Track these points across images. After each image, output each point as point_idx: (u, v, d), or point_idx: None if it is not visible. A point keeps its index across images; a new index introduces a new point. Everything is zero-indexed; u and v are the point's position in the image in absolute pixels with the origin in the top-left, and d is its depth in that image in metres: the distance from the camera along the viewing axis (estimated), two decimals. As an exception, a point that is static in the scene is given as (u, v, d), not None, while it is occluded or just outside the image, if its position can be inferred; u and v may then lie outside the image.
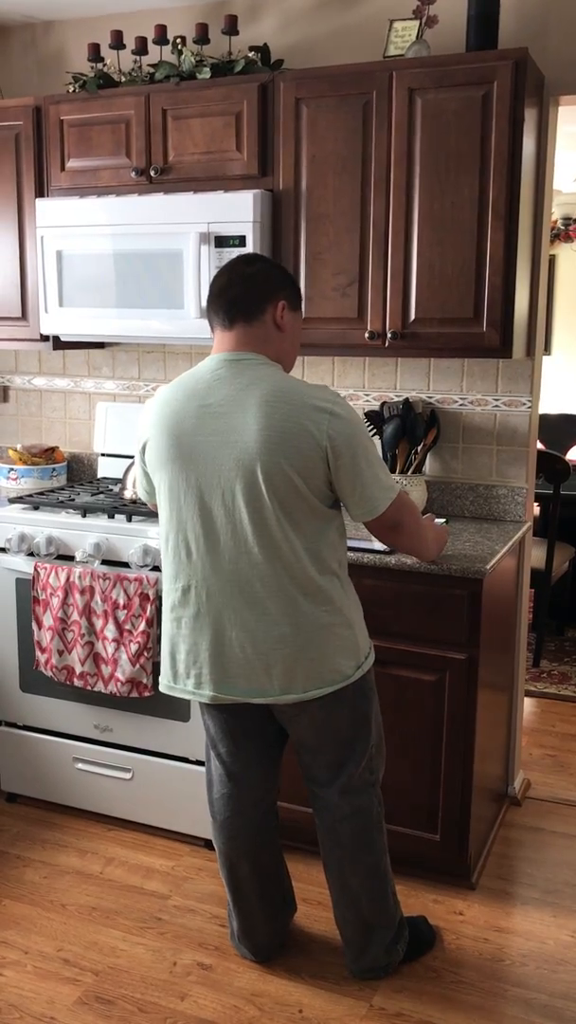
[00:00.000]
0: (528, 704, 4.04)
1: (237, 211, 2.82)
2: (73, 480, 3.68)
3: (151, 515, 2.94)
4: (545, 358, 6.39)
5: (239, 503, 2.06)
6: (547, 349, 6.90)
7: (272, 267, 2.21)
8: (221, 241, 2.84)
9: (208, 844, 2.96)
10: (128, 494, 3.11)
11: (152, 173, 3.00)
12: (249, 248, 2.81)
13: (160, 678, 2.29)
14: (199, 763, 2.91)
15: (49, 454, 3.57)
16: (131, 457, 3.21)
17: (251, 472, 2.03)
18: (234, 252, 2.82)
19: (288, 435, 2.01)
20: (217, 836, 2.40)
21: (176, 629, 2.21)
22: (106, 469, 3.56)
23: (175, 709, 2.90)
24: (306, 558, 2.09)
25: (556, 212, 6.55)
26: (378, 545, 2.66)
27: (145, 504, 2.41)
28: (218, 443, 2.05)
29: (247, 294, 2.12)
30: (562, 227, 6.62)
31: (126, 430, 3.47)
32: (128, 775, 3.02)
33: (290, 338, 2.20)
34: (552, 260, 6.79)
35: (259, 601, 2.10)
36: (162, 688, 2.29)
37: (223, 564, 2.11)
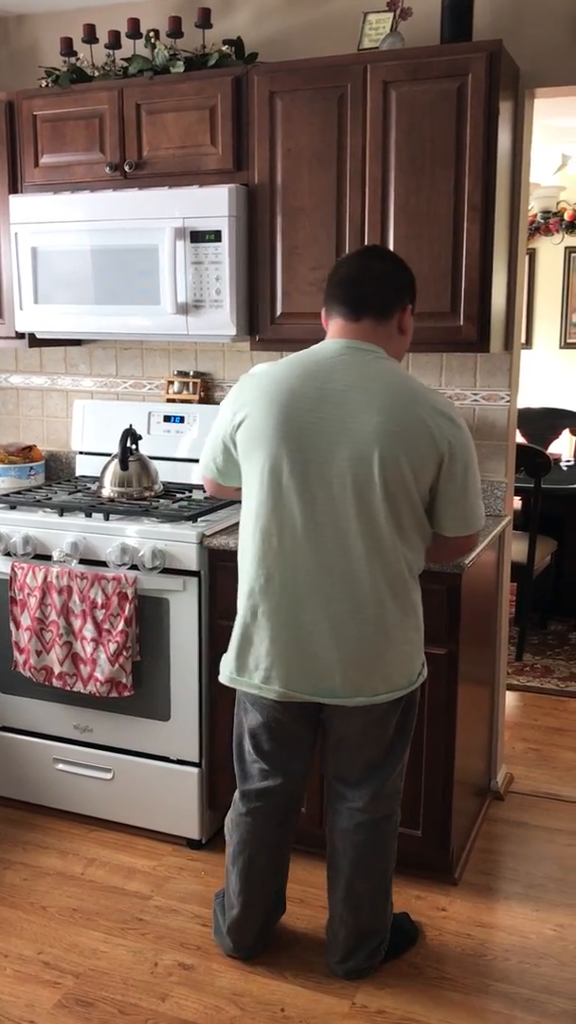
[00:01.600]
0: (511, 698, 4.04)
1: (212, 206, 2.80)
2: (51, 479, 3.65)
3: (129, 514, 2.92)
4: (526, 352, 6.38)
5: (347, 492, 2.02)
6: (528, 343, 6.90)
7: (402, 267, 2.19)
8: (197, 236, 2.82)
9: (190, 843, 2.94)
10: (106, 492, 3.08)
11: (126, 168, 2.97)
12: (224, 243, 2.78)
13: (222, 668, 2.23)
14: (180, 762, 2.89)
15: (26, 453, 3.54)
16: (108, 455, 3.17)
17: (367, 461, 2.00)
18: (210, 247, 2.80)
19: (409, 429, 2.01)
20: (242, 825, 2.35)
21: (251, 619, 2.15)
22: (84, 467, 3.53)
23: (155, 708, 2.88)
24: (402, 558, 2.09)
25: (536, 206, 6.54)
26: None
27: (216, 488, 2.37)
28: (335, 429, 2.02)
29: (381, 293, 2.12)
30: (542, 221, 6.61)
31: (104, 428, 3.44)
32: (109, 775, 3.00)
33: (407, 340, 2.22)
34: (532, 254, 6.78)
35: (351, 598, 2.07)
36: (224, 680, 2.23)
37: (318, 555, 2.06)
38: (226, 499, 2.69)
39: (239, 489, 2.25)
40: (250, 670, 2.17)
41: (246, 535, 2.16)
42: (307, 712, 2.24)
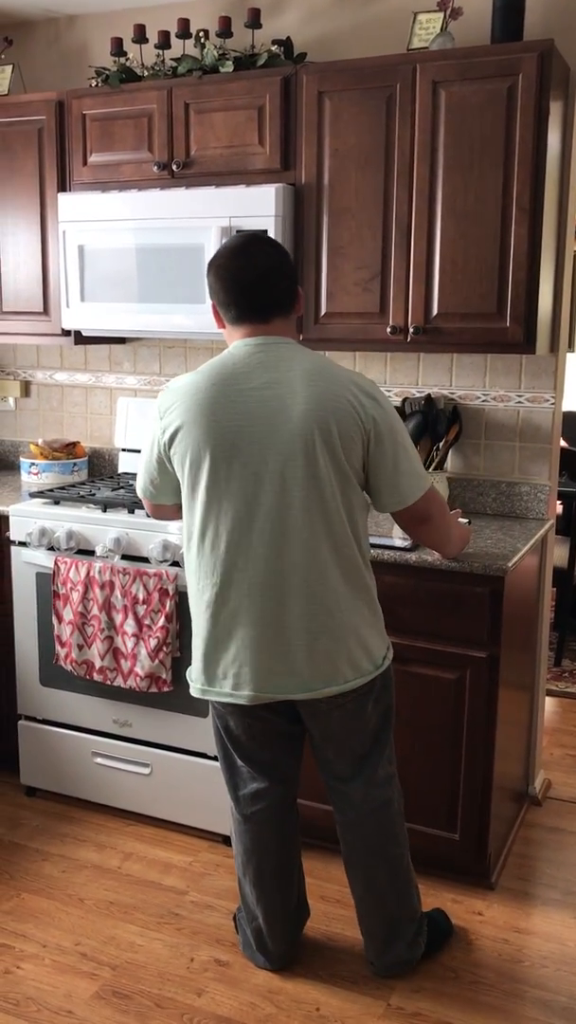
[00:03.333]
0: (549, 703, 4.00)
1: (259, 205, 2.81)
2: (94, 475, 3.68)
3: (171, 510, 2.93)
4: (569, 355, 6.31)
5: (289, 486, 2.03)
6: (571, 346, 6.83)
7: (285, 252, 2.17)
8: (243, 235, 2.83)
9: (226, 840, 2.95)
10: (148, 489, 3.10)
11: (174, 167, 2.99)
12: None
13: (192, 683, 2.23)
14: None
15: (70, 449, 3.57)
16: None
17: (300, 451, 2.01)
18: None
19: (335, 412, 2.02)
20: (244, 833, 2.36)
21: (212, 627, 2.14)
22: (127, 464, 3.56)
23: (194, 705, 2.89)
24: (352, 541, 2.10)
25: (581, 207, 6.49)
26: (399, 542, 2.65)
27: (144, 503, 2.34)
28: (265, 426, 2.03)
29: (285, 291, 2.12)
30: (586, 223, 6.56)
31: (147, 425, 3.46)
32: (147, 770, 3.02)
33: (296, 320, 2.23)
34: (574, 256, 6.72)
35: (306, 589, 2.07)
36: (195, 693, 2.22)
37: (270, 553, 2.06)
38: (169, 519, 2.45)
39: (178, 507, 2.23)
40: (219, 679, 2.15)
41: (192, 547, 2.14)
42: (282, 715, 2.24)
